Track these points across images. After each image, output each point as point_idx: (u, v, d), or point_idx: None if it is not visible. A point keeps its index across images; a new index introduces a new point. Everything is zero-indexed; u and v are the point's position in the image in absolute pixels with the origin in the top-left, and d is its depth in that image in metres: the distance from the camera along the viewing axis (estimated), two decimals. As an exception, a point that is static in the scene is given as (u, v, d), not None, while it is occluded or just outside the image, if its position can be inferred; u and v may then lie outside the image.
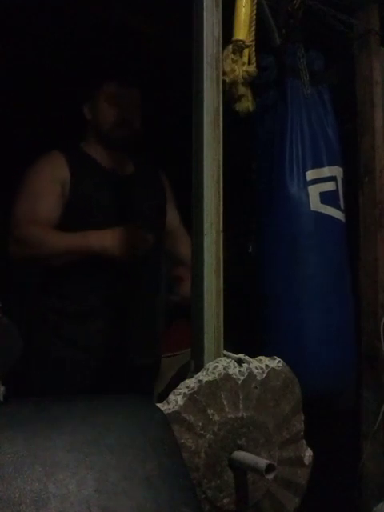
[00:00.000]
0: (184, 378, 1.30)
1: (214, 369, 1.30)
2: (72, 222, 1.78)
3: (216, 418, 1.26)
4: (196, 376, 1.29)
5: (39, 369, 1.77)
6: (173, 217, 2.05)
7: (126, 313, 1.86)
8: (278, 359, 1.42)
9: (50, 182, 1.78)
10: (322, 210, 1.88)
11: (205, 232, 1.37)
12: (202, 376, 1.28)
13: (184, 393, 1.24)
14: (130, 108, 1.90)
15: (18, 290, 2.20)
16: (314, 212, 1.87)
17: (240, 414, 1.30)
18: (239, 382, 1.32)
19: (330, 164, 1.93)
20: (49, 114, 2.31)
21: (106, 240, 1.72)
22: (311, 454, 1.46)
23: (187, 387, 1.25)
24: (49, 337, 1.78)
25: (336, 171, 1.95)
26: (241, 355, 1.38)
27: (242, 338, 1.80)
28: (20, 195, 1.79)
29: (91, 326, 1.79)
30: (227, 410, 1.28)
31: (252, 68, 1.63)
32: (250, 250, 2.02)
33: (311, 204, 1.87)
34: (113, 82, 1.91)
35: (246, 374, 1.34)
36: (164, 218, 2.02)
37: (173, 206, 2.06)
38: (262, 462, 1.22)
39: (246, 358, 1.38)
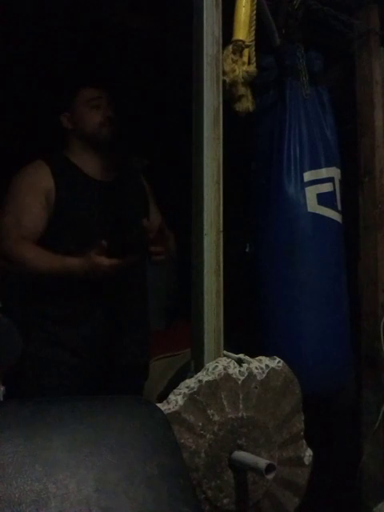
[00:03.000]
0: (184, 378, 1.30)
1: (214, 369, 1.30)
2: (57, 230, 1.81)
3: (216, 418, 1.26)
4: (196, 376, 1.29)
5: (26, 371, 1.78)
6: (156, 219, 2.06)
7: (113, 315, 1.87)
8: (278, 359, 1.42)
9: (34, 194, 1.82)
10: (319, 212, 1.88)
11: (205, 232, 1.37)
12: (202, 376, 1.28)
13: (184, 393, 1.24)
14: (109, 108, 1.94)
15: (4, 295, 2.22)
16: (311, 213, 1.87)
17: (240, 414, 1.30)
18: (239, 381, 1.32)
19: (328, 165, 1.93)
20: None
21: (84, 267, 1.70)
22: (311, 454, 1.46)
23: (187, 387, 1.26)
24: (36, 339, 1.79)
25: (334, 172, 1.94)
26: (241, 355, 1.38)
27: (242, 338, 1.80)
28: (6, 207, 1.82)
29: (79, 329, 1.81)
30: (227, 410, 1.28)
31: (252, 68, 1.63)
32: (247, 250, 2.01)
33: (308, 205, 1.86)
34: (88, 87, 1.95)
35: (246, 373, 1.34)
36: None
37: (155, 209, 2.08)
38: (262, 462, 1.22)
39: (246, 358, 1.38)
